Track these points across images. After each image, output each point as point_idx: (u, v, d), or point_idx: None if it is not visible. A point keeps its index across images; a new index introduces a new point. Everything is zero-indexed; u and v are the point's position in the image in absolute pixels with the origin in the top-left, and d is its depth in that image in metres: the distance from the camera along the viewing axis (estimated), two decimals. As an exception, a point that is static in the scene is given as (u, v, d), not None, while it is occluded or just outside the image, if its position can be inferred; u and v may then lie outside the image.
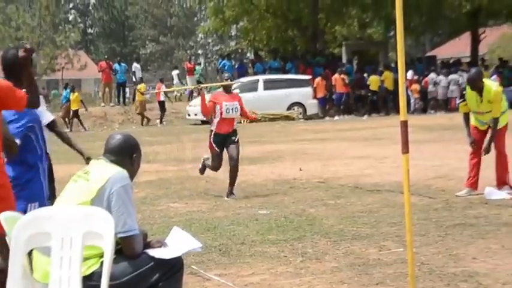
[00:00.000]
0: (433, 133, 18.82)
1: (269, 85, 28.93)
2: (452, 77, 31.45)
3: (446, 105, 31.36)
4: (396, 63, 36.96)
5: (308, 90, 29.14)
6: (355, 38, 42.55)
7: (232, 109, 10.16)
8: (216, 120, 10.16)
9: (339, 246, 6.85)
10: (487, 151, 9.31)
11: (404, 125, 5.48)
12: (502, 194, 9.08)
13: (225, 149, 10.23)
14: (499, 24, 41.90)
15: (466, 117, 9.49)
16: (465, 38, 40.21)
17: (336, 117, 29.46)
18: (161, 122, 29.96)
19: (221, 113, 10.09)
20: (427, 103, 31.17)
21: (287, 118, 28.11)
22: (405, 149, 5.51)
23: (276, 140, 19.78)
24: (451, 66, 34.31)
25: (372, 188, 10.40)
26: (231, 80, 11.48)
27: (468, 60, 36.54)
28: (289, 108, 28.76)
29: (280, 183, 11.30)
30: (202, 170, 10.93)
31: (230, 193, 10.11)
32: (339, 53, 38.51)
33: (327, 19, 38.67)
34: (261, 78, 29.89)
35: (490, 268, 5.86)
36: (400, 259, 6.22)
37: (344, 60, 35.33)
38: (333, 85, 30.27)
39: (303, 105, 28.94)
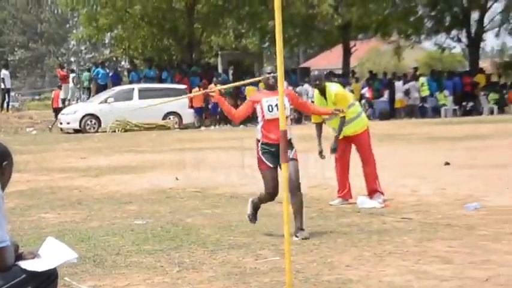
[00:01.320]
0: (308, 143, 19.12)
1: (144, 94, 28.68)
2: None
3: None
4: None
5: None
6: (231, 48, 42.89)
7: (277, 105, 7.30)
8: (259, 126, 7.72)
9: (216, 256, 6.83)
10: (332, 151, 9.60)
11: (284, 134, 5.54)
12: (374, 203, 9.34)
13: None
14: (368, 38, 43.35)
15: (319, 126, 9.69)
16: (337, 51, 41.33)
17: (212, 127, 29.55)
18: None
19: (263, 114, 7.65)
20: (302, 113, 31.75)
21: (163, 127, 27.94)
22: (284, 159, 5.58)
23: (151, 149, 19.59)
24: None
25: (248, 197, 10.40)
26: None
27: (340, 72, 37.56)
28: (164, 117, 28.61)
29: (156, 193, 11.18)
30: (253, 216, 8.01)
31: (299, 229, 7.49)
32: (215, 63, 38.69)
33: (203, 29, 38.79)
34: (136, 87, 29.63)
35: (363, 275, 5.99)
36: (276, 268, 6.26)
37: (220, 70, 35.52)
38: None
39: (179, 115, 28.86)
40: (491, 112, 34.75)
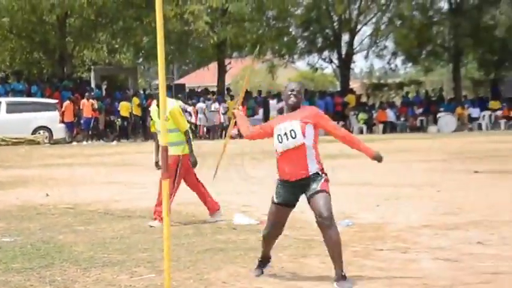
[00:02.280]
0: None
1: (13, 108, 27.83)
2: (199, 105, 32.32)
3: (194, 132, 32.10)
4: (144, 90, 37.35)
5: (55, 114, 28.42)
6: (104, 63, 42.28)
7: (286, 134, 6.17)
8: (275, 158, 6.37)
9: (90, 273, 6.63)
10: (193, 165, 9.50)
11: (165, 149, 5.44)
12: (250, 220, 9.37)
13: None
14: (242, 56, 43.84)
15: (156, 135, 9.60)
16: (213, 68, 41.55)
17: (84, 142, 28.97)
18: None
19: (275, 148, 6.30)
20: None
21: (32, 142, 27.11)
22: (166, 175, 5.48)
23: (20, 164, 18.95)
24: (199, 94, 35.28)
25: (122, 213, 10.26)
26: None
27: (215, 89, 37.76)
28: (34, 132, 27.79)
29: (25, 209, 10.77)
30: (259, 265, 6.60)
31: (341, 277, 6.08)
32: (88, 77, 38.02)
33: (75, 43, 38.05)
34: (4, 100, 28.66)
35: (239, 292, 5.98)
36: (152, 285, 6.15)
37: (93, 84, 34.92)
38: (80, 109, 29.81)
39: (50, 129, 28.10)
40: (361, 131, 35.86)
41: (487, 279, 6.24)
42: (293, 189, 6.18)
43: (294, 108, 6.30)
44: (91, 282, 6.32)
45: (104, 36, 39.34)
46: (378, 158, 6.31)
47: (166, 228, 4.86)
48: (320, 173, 6.14)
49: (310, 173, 6.11)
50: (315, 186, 6.09)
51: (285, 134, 6.12)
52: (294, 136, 6.10)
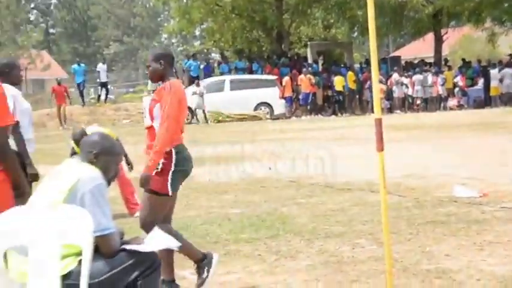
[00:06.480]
0: (399, 132, 18.93)
1: (236, 85, 28.93)
2: (416, 77, 31.78)
3: (411, 104, 31.74)
4: (361, 63, 37.31)
5: (275, 90, 29.20)
6: (320, 38, 42.71)
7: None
8: None
9: (313, 245, 6.86)
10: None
11: (379, 123, 5.49)
12: (471, 193, 9.17)
13: None
14: (460, 25, 42.36)
15: None
16: (428, 39, 40.59)
17: (303, 117, 29.56)
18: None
19: None
20: (393, 103, 31.45)
21: (254, 118, 28.12)
22: (380, 147, 5.53)
23: (244, 139, 19.73)
24: (415, 66, 34.68)
25: (342, 186, 10.43)
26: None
27: (432, 60, 36.91)
28: (256, 108, 28.78)
29: (250, 183, 11.28)
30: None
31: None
32: (304, 54, 38.66)
33: (292, 20, 38.80)
34: (228, 78, 29.87)
35: (463, 265, 5.91)
36: (373, 257, 6.25)
37: (310, 60, 35.47)
38: (298, 85, 30.42)
39: (270, 105, 28.97)
40: None
41: None
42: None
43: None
44: (314, 253, 6.54)
45: (319, 12, 39.74)
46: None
47: (384, 201, 4.92)
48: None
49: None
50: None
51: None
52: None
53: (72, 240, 3.92)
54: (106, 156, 4.37)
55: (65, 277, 3.92)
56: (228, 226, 7.87)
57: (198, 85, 28.50)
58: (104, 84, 33.67)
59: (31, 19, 74.58)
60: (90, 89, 43.52)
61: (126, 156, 9.13)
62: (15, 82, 6.34)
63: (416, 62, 37.15)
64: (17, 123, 5.95)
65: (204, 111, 27.51)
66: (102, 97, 33.67)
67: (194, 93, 27.65)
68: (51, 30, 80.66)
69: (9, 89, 6.05)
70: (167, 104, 5.26)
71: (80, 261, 3.92)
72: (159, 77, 5.50)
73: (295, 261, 6.29)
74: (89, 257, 3.85)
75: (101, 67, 33.36)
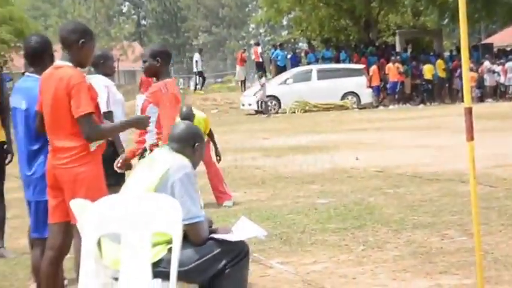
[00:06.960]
0: (491, 121, 18.52)
1: (323, 75, 28.82)
2: (509, 64, 30.94)
3: (503, 93, 30.91)
4: (451, 51, 36.58)
5: (362, 79, 28.95)
6: (409, 26, 42.08)
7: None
8: None
9: (400, 235, 6.81)
10: None
11: (469, 112, 5.40)
12: None
13: None
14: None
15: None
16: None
17: (391, 107, 29.23)
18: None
19: None
20: (484, 91, 30.71)
21: (341, 107, 27.99)
22: (470, 137, 5.43)
23: (331, 129, 19.70)
24: (507, 53, 33.74)
25: (430, 177, 10.29)
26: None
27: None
28: (343, 97, 28.62)
29: (337, 173, 11.26)
30: None
31: None
32: (392, 42, 38.18)
33: (380, 8, 38.36)
34: (315, 67, 29.79)
35: (558, 258, 5.76)
36: (463, 248, 6.16)
37: (398, 48, 35.02)
38: (386, 74, 30.09)
39: (357, 95, 28.76)
40: None
41: None
42: None
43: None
44: (402, 244, 6.50)
45: (408, 0, 39.16)
46: None
47: (473, 191, 4.84)
48: None
49: None
50: None
51: None
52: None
53: (162, 228, 4.02)
54: (201, 149, 4.48)
55: (155, 264, 4.03)
56: (314, 216, 7.89)
57: (260, 77, 28.63)
58: (200, 73, 34.65)
59: (123, 11, 76.18)
60: (180, 79, 44.21)
61: (216, 147, 9.24)
62: (108, 73, 6.52)
63: (509, 49, 36.13)
64: (111, 113, 6.12)
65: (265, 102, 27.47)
66: (199, 86, 34.41)
67: (281, 83, 27.75)
68: (142, 22, 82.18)
69: (102, 80, 6.24)
70: (166, 107, 5.52)
71: (169, 249, 4.01)
72: (154, 73, 5.74)
73: (382, 252, 6.26)
74: (179, 245, 3.94)
75: (197, 57, 34.22)
